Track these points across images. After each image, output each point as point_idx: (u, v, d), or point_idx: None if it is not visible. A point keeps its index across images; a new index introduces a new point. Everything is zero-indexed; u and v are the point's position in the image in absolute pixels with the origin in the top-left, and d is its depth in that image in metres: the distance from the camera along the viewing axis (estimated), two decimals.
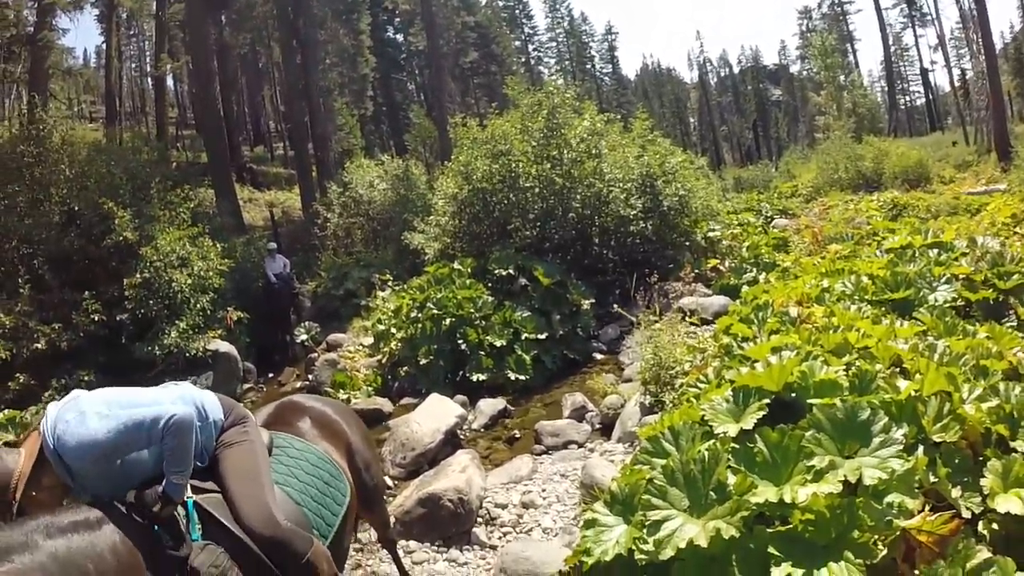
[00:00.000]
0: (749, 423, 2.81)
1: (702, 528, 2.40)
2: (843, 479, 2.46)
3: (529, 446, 6.92)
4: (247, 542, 2.47)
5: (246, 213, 21.31)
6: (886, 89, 56.56)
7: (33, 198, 10.13)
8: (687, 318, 7.22)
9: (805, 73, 63.02)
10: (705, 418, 2.94)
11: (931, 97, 59.78)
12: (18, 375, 8.72)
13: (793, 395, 3.12)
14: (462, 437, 7.34)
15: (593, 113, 12.58)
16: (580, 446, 6.65)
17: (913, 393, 2.97)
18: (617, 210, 11.48)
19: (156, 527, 2.32)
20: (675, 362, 5.66)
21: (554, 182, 11.27)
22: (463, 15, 46.77)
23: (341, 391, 9.26)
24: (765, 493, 2.43)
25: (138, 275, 9.93)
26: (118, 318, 9.80)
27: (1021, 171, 16.80)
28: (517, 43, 63.74)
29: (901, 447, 2.58)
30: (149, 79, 38.74)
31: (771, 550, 2.32)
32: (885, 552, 2.32)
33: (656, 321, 6.86)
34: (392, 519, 4.98)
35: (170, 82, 37.48)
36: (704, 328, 7.88)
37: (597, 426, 7.11)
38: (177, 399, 2.61)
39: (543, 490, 5.68)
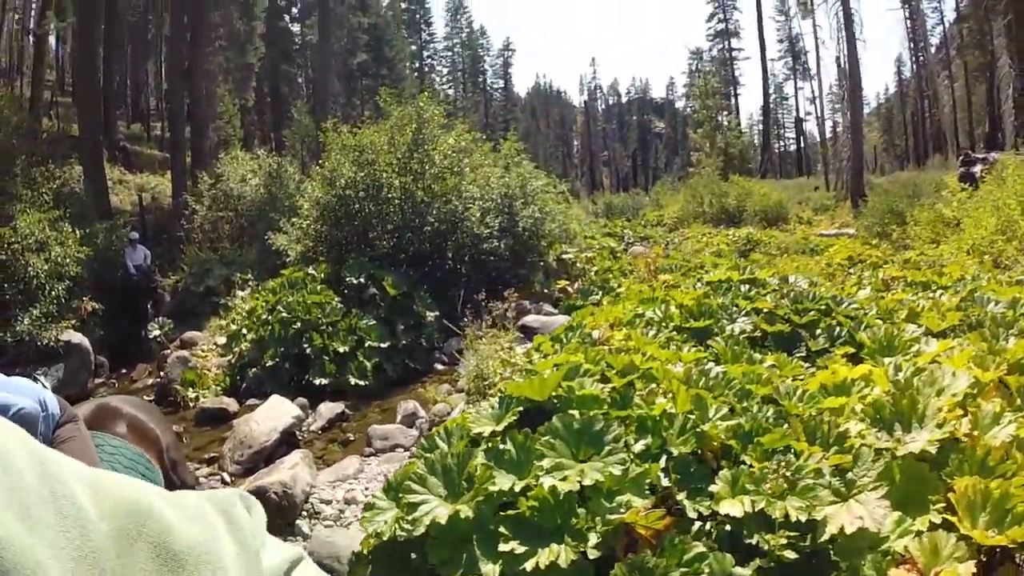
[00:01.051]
0: (502, 426, 3.30)
1: (449, 510, 2.86)
2: (577, 477, 2.97)
3: (361, 448, 7.26)
4: None
5: (115, 195, 20.16)
6: (762, 132, 60.62)
7: None
8: (507, 331, 7.75)
9: (689, 109, 66.39)
10: (468, 421, 3.41)
11: (802, 144, 64.97)
12: None
13: (557, 404, 3.64)
14: (300, 438, 7.57)
15: (460, 132, 12.98)
16: (406, 449, 7.05)
17: (667, 410, 3.51)
18: (472, 228, 11.90)
19: None
20: (492, 373, 6.18)
21: (415, 195, 11.55)
22: (359, 15, 46.40)
23: (191, 389, 9.23)
24: (501, 483, 2.92)
25: None
26: None
27: (866, 218, 18.47)
28: (413, 47, 63.85)
29: (627, 455, 3.11)
30: (31, 36, 35.49)
31: (501, 530, 2.80)
32: (600, 540, 2.80)
33: (481, 336, 7.36)
34: None
35: (52, 41, 34.81)
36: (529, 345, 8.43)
37: (425, 432, 7.43)
38: (26, 390, 2.72)
39: (366, 488, 6.05)
